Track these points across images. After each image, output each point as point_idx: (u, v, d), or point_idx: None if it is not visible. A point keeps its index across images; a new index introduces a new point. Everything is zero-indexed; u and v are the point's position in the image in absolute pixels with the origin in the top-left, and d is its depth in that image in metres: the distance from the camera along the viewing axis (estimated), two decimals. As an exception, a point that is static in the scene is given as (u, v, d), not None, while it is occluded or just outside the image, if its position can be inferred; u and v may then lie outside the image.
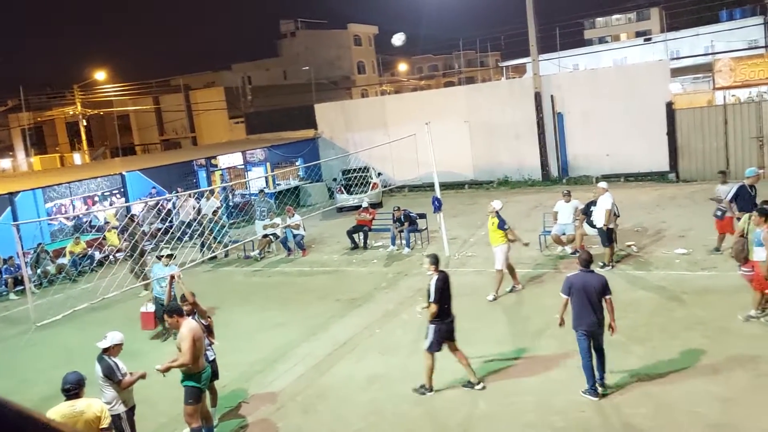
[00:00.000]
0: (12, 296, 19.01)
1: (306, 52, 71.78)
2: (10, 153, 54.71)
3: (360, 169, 27.56)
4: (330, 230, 23.27)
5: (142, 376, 8.45)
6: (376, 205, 24.54)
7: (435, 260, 10.03)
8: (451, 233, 18.92)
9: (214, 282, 18.33)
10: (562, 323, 9.52)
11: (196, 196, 22.79)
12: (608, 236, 15.27)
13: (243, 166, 30.80)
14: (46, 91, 59.00)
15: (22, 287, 18.53)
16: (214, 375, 9.73)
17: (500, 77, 56.71)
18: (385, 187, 27.51)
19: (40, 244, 20.48)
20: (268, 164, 30.70)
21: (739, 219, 12.95)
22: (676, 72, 31.62)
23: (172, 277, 11.97)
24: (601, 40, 75.09)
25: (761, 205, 11.96)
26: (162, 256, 13.55)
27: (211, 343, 9.82)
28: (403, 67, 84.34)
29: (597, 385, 9.27)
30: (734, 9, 48.70)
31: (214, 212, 21.38)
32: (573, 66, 43.07)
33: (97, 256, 21.21)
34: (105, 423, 7.21)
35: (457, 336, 10.02)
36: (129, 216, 19.77)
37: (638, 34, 69.32)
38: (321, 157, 31.25)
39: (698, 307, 12.26)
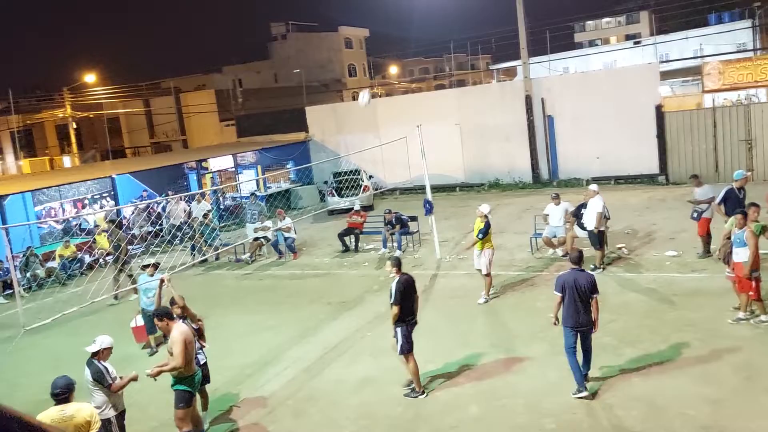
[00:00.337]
0: (1, 300, 18.91)
1: (297, 54, 71.73)
2: (-1, 156, 54.50)
3: (351, 171, 27.56)
4: (321, 233, 23.25)
5: (134, 378, 8.42)
6: (367, 208, 24.54)
7: (397, 263, 10.16)
8: (443, 236, 18.92)
9: (205, 285, 18.27)
10: (556, 322, 9.59)
11: (187, 199, 22.74)
12: (599, 239, 15.31)
13: (234, 169, 30.76)
14: (35, 94, 58.76)
15: (11, 291, 18.44)
16: (206, 379, 9.70)
17: (491, 80, 56.80)
18: (376, 189, 27.50)
19: (29, 247, 20.38)
20: (259, 167, 30.66)
21: (726, 222, 13.00)
22: (666, 75, 31.73)
23: (162, 280, 11.85)
24: (591, 43, 75.34)
25: (749, 207, 12.06)
26: (146, 266, 13.30)
27: (202, 347, 9.79)
28: (394, 70, 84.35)
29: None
30: (723, 12, 48.95)
31: (205, 215, 21.34)
32: (563, 69, 43.22)
33: (87, 259, 21.12)
34: (95, 428, 7.17)
35: (450, 338, 10.03)
36: (108, 219, 19.68)
37: (628, 38, 69.51)
38: (312, 159, 31.21)
39: (689, 309, 12.29)
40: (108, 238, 19.58)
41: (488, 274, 14.05)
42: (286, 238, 20.28)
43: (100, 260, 20.89)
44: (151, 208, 24.55)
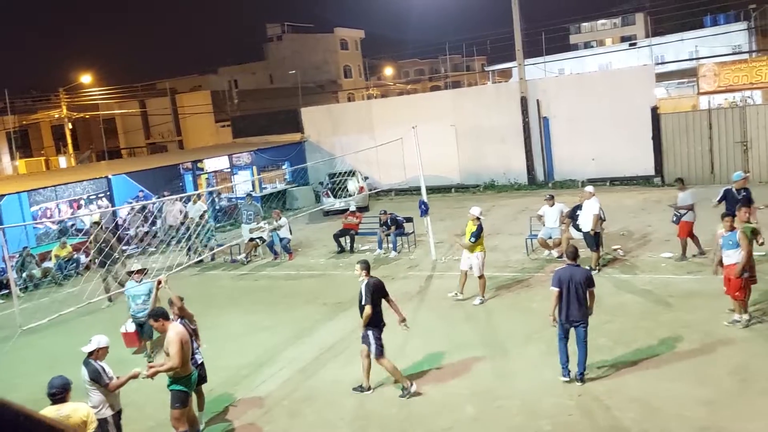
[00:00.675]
0: (-4, 300, 18.86)
1: (292, 55, 71.68)
2: (-5, 156, 54.28)
3: (347, 172, 27.57)
4: (316, 234, 23.25)
5: (134, 376, 8.42)
6: (362, 209, 24.55)
7: (366, 266, 10.39)
8: (438, 237, 18.94)
9: (201, 286, 18.25)
10: (554, 320, 9.70)
11: (183, 199, 22.71)
12: (595, 241, 15.34)
13: (229, 170, 30.75)
14: (31, 94, 58.59)
15: (7, 291, 18.41)
16: (202, 379, 9.71)
17: (486, 81, 56.85)
18: (371, 190, 27.51)
19: (25, 247, 20.35)
20: (254, 168, 30.63)
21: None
22: (661, 77, 31.78)
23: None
24: (587, 45, 75.36)
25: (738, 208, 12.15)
26: (132, 272, 12.86)
27: (198, 346, 9.79)
28: (389, 71, 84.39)
29: (575, 377, 9.72)
30: (718, 15, 49.09)
31: (201, 216, 21.32)
32: (558, 70, 43.22)
33: (83, 259, 21.07)
34: (91, 427, 7.17)
35: (445, 340, 10.05)
36: (93, 221, 19.59)
37: (623, 39, 69.57)
38: (308, 160, 31.17)
39: (684, 310, 12.33)
40: (92, 241, 19.39)
41: (481, 276, 14.06)
42: (281, 239, 20.28)
43: (90, 262, 20.82)
44: (147, 209, 24.51)
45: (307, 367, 11.58)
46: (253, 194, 24.94)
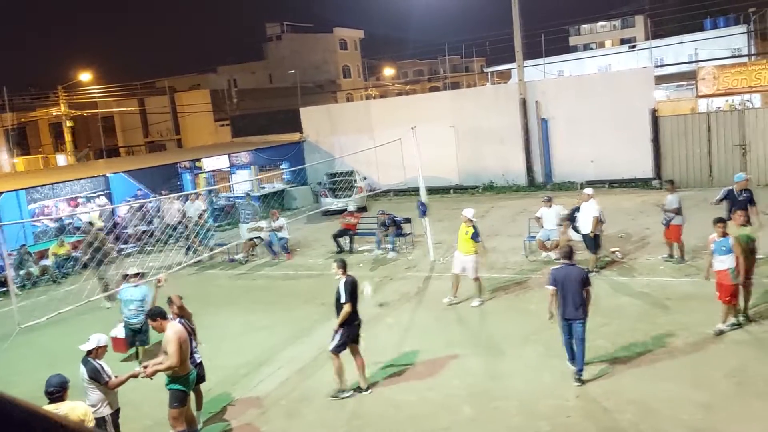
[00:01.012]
0: (-6, 298, 18.84)
1: (292, 55, 71.72)
2: (-7, 154, 54.25)
3: (345, 172, 27.55)
4: (315, 234, 23.24)
5: (134, 375, 8.42)
6: (361, 209, 24.55)
7: (342, 264, 10.52)
8: (436, 238, 18.94)
9: (199, 285, 18.23)
10: (552, 317, 9.77)
11: (181, 198, 22.70)
12: (595, 243, 15.35)
13: (228, 169, 30.73)
14: (29, 92, 58.56)
15: (5, 288, 18.38)
16: (201, 378, 9.71)
17: (485, 83, 56.89)
18: (370, 191, 27.50)
19: (23, 245, 20.33)
20: (253, 167, 30.62)
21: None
22: (660, 79, 31.79)
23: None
24: (586, 47, 75.43)
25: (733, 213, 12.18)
26: (128, 275, 12.55)
27: (197, 346, 9.79)
28: (388, 71, 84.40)
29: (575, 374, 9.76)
30: (718, 18, 49.14)
31: (200, 215, 21.31)
32: (558, 72, 43.28)
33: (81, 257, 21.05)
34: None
35: (443, 340, 10.06)
36: (87, 221, 19.55)
37: (623, 42, 69.66)
38: (306, 160, 31.18)
39: (681, 313, 12.34)
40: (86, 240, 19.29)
41: (477, 278, 14.07)
42: (280, 239, 20.27)
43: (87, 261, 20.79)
44: (146, 207, 24.49)
45: (305, 367, 11.58)
46: (252, 194, 24.92)
